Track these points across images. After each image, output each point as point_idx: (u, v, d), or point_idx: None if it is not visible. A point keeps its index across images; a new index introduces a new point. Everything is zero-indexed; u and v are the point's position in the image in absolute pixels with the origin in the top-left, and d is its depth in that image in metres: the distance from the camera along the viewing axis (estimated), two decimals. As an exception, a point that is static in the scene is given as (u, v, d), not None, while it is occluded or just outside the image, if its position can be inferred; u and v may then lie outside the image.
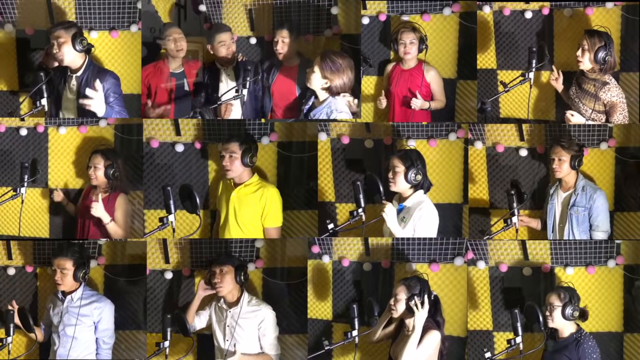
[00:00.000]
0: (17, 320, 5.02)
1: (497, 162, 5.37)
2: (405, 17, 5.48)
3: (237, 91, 5.29)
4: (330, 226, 4.90)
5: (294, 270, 5.27)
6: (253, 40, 5.62)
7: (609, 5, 5.38)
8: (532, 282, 5.21)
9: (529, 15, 5.46)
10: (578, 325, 4.87)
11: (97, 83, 5.05)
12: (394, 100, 5.42)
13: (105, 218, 5.14)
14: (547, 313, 4.82)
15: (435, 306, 4.83)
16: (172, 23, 5.52)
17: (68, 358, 5.07)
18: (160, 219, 4.99)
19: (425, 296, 4.73)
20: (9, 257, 5.35)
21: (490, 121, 5.43)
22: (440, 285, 5.19)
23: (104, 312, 5.13)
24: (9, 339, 5.01)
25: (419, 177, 4.91)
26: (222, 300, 5.11)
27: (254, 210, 5.12)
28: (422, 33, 5.37)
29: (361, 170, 5.34)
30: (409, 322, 4.76)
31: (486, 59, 5.49)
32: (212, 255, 5.23)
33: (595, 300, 5.17)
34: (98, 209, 5.11)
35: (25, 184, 5.25)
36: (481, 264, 5.22)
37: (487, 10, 5.46)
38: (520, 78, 5.28)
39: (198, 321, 5.17)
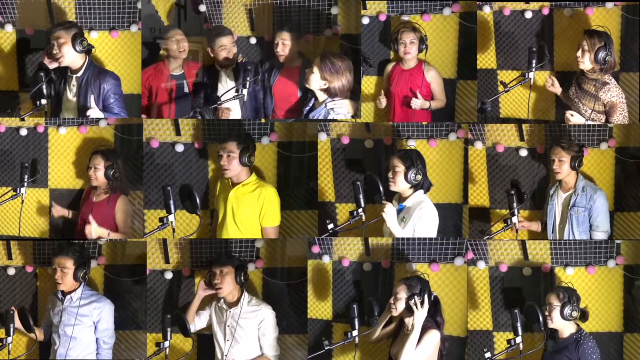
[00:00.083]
0: (17, 322, 5.02)
1: (497, 162, 5.37)
2: (405, 17, 5.48)
3: (237, 91, 5.29)
4: (330, 226, 4.90)
5: (294, 270, 5.27)
6: (253, 40, 5.62)
7: (609, 5, 5.38)
8: (532, 282, 5.21)
9: (529, 15, 5.46)
10: (578, 325, 4.87)
11: (92, 101, 5.07)
12: (394, 100, 5.42)
13: (104, 233, 5.17)
14: (547, 313, 4.82)
15: (435, 306, 4.84)
16: (173, 25, 5.53)
17: (68, 358, 5.07)
18: (160, 219, 5.00)
19: (425, 296, 4.73)
20: (9, 257, 5.35)
21: (490, 121, 5.43)
22: (440, 285, 5.19)
23: (103, 312, 5.13)
24: (9, 339, 5.01)
25: (419, 177, 4.92)
26: (222, 300, 5.11)
27: (252, 209, 5.12)
28: (422, 33, 5.37)
29: (361, 170, 5.34)
30: (408, 321, 4.77)
31: (486, 59, 5.49)
32: (212, 256, 5.23)
33: (595, 301, 5.17)
34: (93, 231, 5.14)
35: (25, 184, 5.25)
36: (481, 264, 5.22)
37: (487, 10, 5.47)
38: (520, 78, 5.28)
39: (198, 321, 5.17)
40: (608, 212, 5.15)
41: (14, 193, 5.26)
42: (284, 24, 5.47)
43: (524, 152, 5.35)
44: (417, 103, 5.33)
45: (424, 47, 5.37)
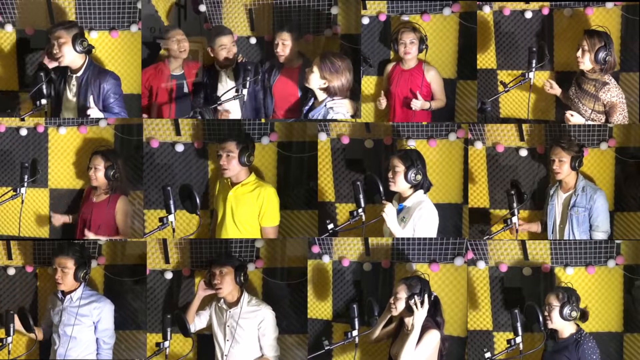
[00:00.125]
0: (17, 323, 5.02)
1: (497, 162, 5.37)
2: (405, 17, 5.48)
3: (237, 91, 5.29)
4: (330, 226, 4.90)
5: (294, 270, 5.27)
6: (253, 40, 5.61)
7: (609, 5, 5.38)
8: (532, 282, 5.21)
9: (529, 15, 5.46)
10: (578, 326, 4.87)
11: (91, 101, 5.07)
12: (395, 101, 5.42)
13: (102, 240, 5.19)
14: (546, 314, 4.82)
15: (435, 306, 4.84)
16: (173, 25, 5.53)
17: (67, 358, 5.07)
18: (160, 219, 5.00)
19: (425, 296, 4.73)
20: (9, 257, 5.35)
21: (490, 121, 5.42)
22: (440, 285, 5.19)
23: (103, 312, 5.13)
24: (9, 339, 5.01)
25: (419, 177, 4.92)
26: (222, 300, 5.11)
27: (251, 209, 5.12)
28: (422, 33, 5.37)
29: (361, 170, 5.34)
30: (408, 321, 4.77)
31: (486, 59, 5.49)
32: (212, 256, 5.23)
33: (595, 301, 5.17)
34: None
35: (25, 184, 5.25)
36: (481, 264, 5.22)
37: (487, 10, 5.46)
38: (521, 78, 5.28)
39: (198, 321, 5.17)
40: (608, 212, 5.15)
41: (14, 193, 5.26)
42: (284, 24, 5.47)
43: (524, 152, 5.35)
44: (418, 104, 5.33)
45: (424, 47, 5.37)
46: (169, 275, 5.31)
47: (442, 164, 5.30)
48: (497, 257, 5.23)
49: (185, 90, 5.52)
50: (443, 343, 4.80)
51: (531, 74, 5.24)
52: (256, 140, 5.30)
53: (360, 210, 4.88)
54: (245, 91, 5.29)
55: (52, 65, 5.25)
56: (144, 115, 5.39)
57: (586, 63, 5.10)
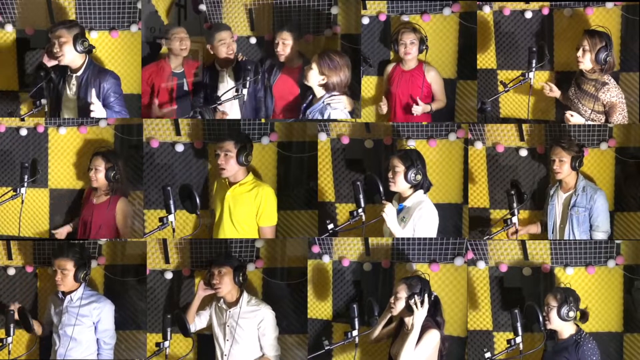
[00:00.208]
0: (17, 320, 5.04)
1: (497, 162, 5.37)
2: (405, 17, 5.48)
3: (237, 91, 5.29)
4: (330, 226, 4.90)
5: (294, 270, 5.27)
6: (253, 40, 5.61)
7: (609, 5, 5.38)
8: (532, 282, 5.21)
9: (529, 15, 5.46)
10: (578, 326, 4.86)
11: (94, 96, 5.07)
12: (395, 102, 5.42)
13: (102, 240, 5.23)
14: (545, 314, 4.81)
15: (435, 306, 4.84)
16: (174, 24, 5.53)
17: (68, 358, 5.07)
18: (160, 219, 5.00)
19: (425, 295, 4.73)
20: (9, 257, 5.35)
21: (490, 121, 5.42)
22: (440, 285, 5.19)
23: (103, 312, 5.12)
24: (9, 339, 5.01)
25: (419, 177, 4.92)
26: (222, 300, 5.11)
27: (249, 209, 5.12)
28: (423, 34, 5.37)
29: (361, 170, 5.34)
30: (408, 320, 4.77)
31: (486, 59, 5.49)
32: (212, 256, 5.23)
33: (595, 301, 5.17)
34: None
35: (25, 184, 5.25)
36: (481, 264, 5.22)
37: (487, 10, 5.46)
38: (521, 78, 5.28)
39: (198, 321, 5.17)
40: (608, 212, 5.15)
41: (14, 193, 5.26)
42: (284, 23, 5.47)
43: (524, 152, 5.35)
44: (418, 110, 5.33)
45: (424, 47, 5.37)
46: (169, 275, 5.31)
47: (442, 164, 5.30)
48: (497, 257, 5.23)
49: (186, 88, 5.52)
50: (443, 343, 4.80)
51: (531, 74, 5.24)
52: (256, 140, 5.30)
53: (360, 210, 4.88)
54: (245, 91, 5.29)
55: (51, 63, 5.25)
56: (155, 101, 5.38)
57: (586, 63, 5.10)
